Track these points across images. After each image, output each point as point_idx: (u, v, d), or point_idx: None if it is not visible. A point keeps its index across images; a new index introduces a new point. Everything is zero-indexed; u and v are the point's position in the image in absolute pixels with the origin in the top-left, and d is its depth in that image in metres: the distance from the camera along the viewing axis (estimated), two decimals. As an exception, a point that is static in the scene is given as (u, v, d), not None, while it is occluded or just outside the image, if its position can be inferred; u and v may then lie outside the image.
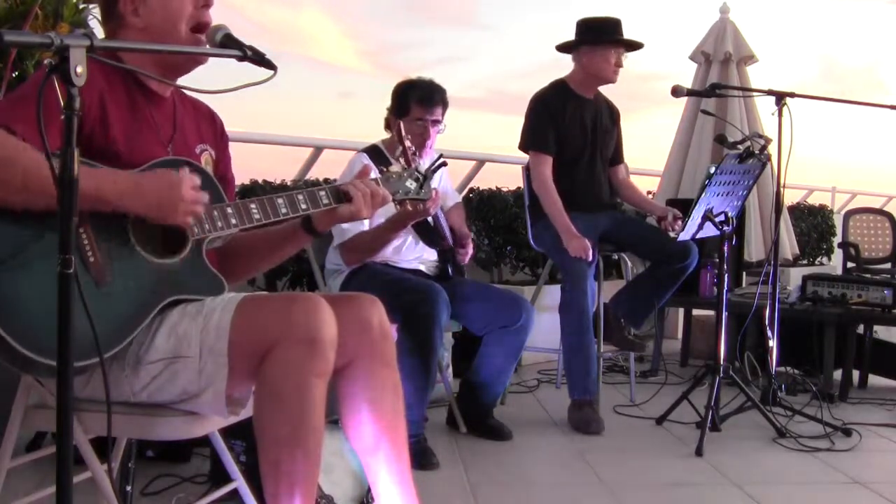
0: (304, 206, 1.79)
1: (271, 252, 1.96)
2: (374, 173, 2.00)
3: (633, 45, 3.67)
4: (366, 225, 3.03)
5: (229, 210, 1.71)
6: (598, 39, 3.64)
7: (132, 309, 1.58)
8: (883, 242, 7.01)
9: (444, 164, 2.72)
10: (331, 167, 5.34)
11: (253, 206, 1.72)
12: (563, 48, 3.74)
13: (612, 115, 3.86)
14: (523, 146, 3.73)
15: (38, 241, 1.48)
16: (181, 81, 1.80)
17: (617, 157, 3.91)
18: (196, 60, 1.79)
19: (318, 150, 4.99)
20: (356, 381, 1.82)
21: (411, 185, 2.05)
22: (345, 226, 2.99)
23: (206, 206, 1.65)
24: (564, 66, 3.76)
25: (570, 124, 3.66)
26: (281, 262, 2.04)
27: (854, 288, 4.05)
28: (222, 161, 1.96)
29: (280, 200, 1.76)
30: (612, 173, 3.90)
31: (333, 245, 3.11)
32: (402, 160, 2.23)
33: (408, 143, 2.27)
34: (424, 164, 2.35)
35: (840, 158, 18.32)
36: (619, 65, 3.64)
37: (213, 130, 1.95)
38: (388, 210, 2.81)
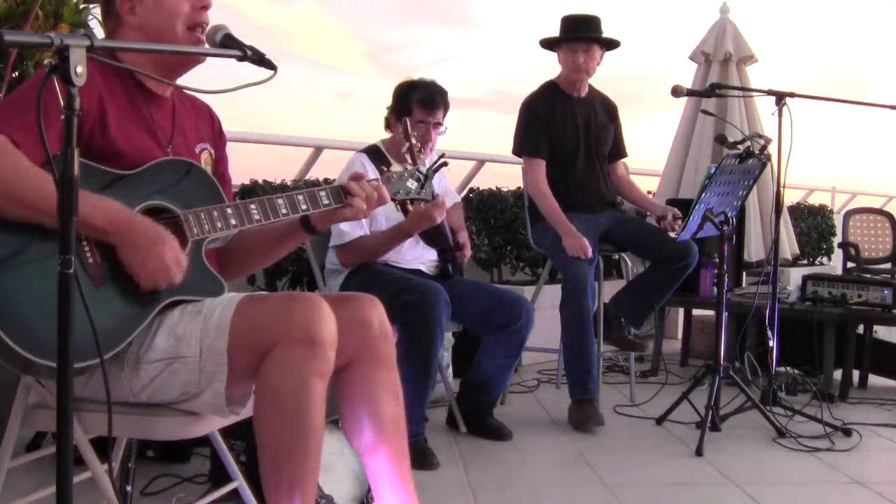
0: (304, 207, 1.79)
1: (269, 250, 1.96)
2: (372, 174, 2.00)
3: (591, 42, 3.63)
4: (365, 226, 3.03)
5: (229, 211, 1.71)
6: (557, 39, 3.68)
7: (132, 309, 1.58)
8: (883, 242, 7.01)
9: (445, 163, 2.73)
10: (331, 167, 5.34)
11: (253, 206, 1.73)
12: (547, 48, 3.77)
13: (608, 110, 3.85)
14: (516, 151, 3.75)
15: (36, 243, 1.48)
16: (181, 81, 1.80)
17: (617, 153, 3.89)
18: (194, 60, 1.79)
19: (318, 150, 4.99)
20: (356, 382, 1.82)
21: (412, 184, 2.04)
22: (343, 227, 2.98)
23: (202, 216, 1.65)
24: (564, 66, 3.77)
25: (561, 125, 3.67)
26: (278, 259, 2.04)
27: (854, 288, 4.05)
28: (221, 160, 1.96)
29: (280, 201, 1.76)
30: (611, 170, 3.89)
31: (331, 245, 3.11)
32: (407, 156, 2.23)
33: (413, 141, 2.27)
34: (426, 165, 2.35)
35: (840, 158, 18.32)
36: (575, 62, 3.62)
37: (211, 129, 1.96)
38: (389, 209, 2.82)
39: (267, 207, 1.74)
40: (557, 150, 3.66)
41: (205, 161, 1.86)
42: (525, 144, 3.68)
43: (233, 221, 1.71)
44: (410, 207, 2.09)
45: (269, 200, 1.75)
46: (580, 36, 3.63)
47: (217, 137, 1.96)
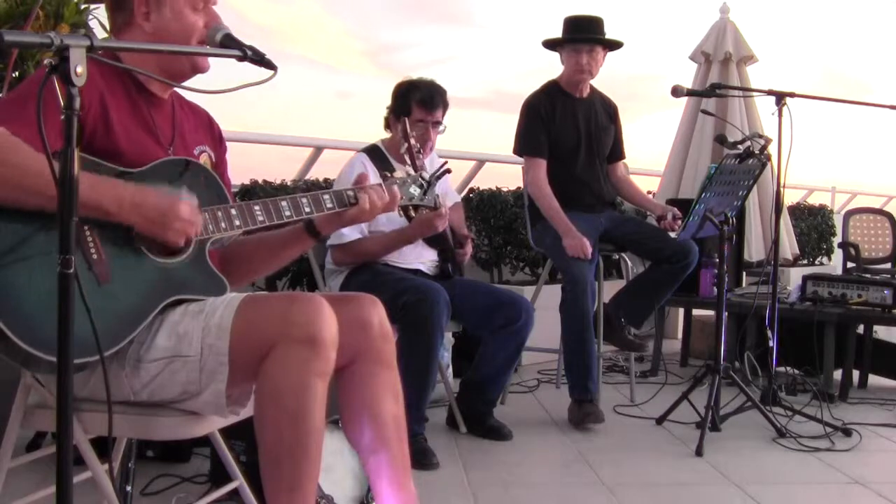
0: (307, 210, 1.79)
1: (273, 256, 1.96)
2: (373, 177, 2.00)
3: (594, 43, 3.63)
4: (364, 229, 3.03)
5: (233, 211, 1.71)
6: (560, 40, 3.68)
7: (134, 307, 1.58)
8: (883, 242, 7.01)
9: (448, 171, 2.73)
10: (331, 167, 5.34)
11: (257, 207, 1.73)
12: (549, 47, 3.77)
13: (609, 111, 3.85)
14: (517, 150, 3.76)
15: (40, 237, 1.48)
16: (180, 82, 1.80)
17: (617, 153, 3.89)
18: (196, 69, 1.78)
19: (318, 150, 5.00)
20: (356, 382, 1.82)
21: (415, 191, 2.04)
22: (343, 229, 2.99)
23: (205, 216, 1.66)
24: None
25: (561, 125, 3.67)
26: (283, 265, 2.04)
27: (854, 288, 4.05)
28: (221, 165, 1.96)
29: (284, 203, 1.76)
30: (611, 170, 3.89)
31: (328, 244, 3.11)
32: (406, 157, 2.23)
33: (413, 141, 2.27)
34: (425, 165, 2.35)
35: (840, 158, 18.33)
36: (578, 63, 3.62)
37: (210, 135, 1.96)
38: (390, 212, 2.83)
39: (271, 209, 1.74)
40: (558, 150, 3.67)
41: (204, 163, 1.87)
42: (526, 144, 3.69)
43: (236, 222, 1.71)
44: (413, 213, 2.09)
45: (272, 202, 1.75)
46: (584, 37, 3.64)
47: (217, 144, 1.96)
